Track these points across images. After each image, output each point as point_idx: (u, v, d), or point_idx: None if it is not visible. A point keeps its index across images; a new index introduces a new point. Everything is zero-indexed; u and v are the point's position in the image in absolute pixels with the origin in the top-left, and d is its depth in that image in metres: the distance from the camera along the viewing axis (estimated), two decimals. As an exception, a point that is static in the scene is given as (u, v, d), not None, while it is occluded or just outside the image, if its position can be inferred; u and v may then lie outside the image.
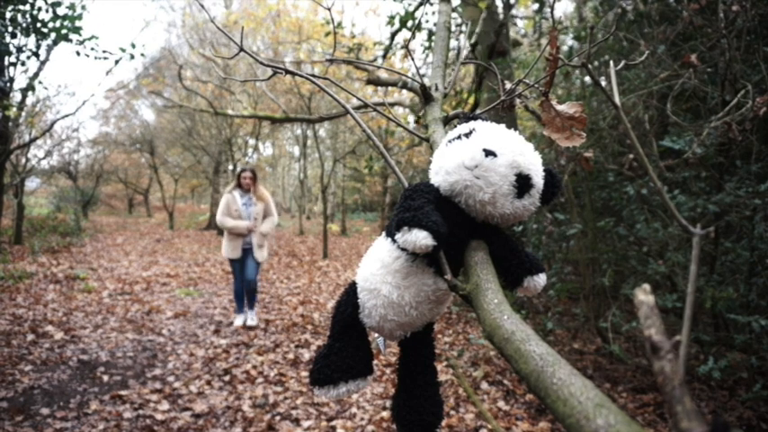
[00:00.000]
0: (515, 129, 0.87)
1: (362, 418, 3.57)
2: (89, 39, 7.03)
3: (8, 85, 8.29)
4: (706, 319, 4.42)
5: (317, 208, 28.42)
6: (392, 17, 6.64)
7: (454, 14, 6.42)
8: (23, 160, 12.09)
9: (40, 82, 8.54)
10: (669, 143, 3.58)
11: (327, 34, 9.60)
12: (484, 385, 4.23)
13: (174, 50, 16.57)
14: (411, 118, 9.84)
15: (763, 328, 3.17)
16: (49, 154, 14.54)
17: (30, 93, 9.07)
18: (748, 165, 3.55)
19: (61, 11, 6.58)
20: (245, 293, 5.74)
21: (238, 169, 5.77)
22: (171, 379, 4.15)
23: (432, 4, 6.04)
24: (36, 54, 7.51)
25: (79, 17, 6.75)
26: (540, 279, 0.84)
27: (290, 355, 4.81)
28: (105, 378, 4.09)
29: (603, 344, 4.66)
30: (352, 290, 0.94)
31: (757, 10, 3.32)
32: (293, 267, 10.41)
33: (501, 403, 3.90)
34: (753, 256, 3.52)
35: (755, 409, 3.55)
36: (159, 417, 3.45)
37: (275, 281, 8.75)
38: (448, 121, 1.15)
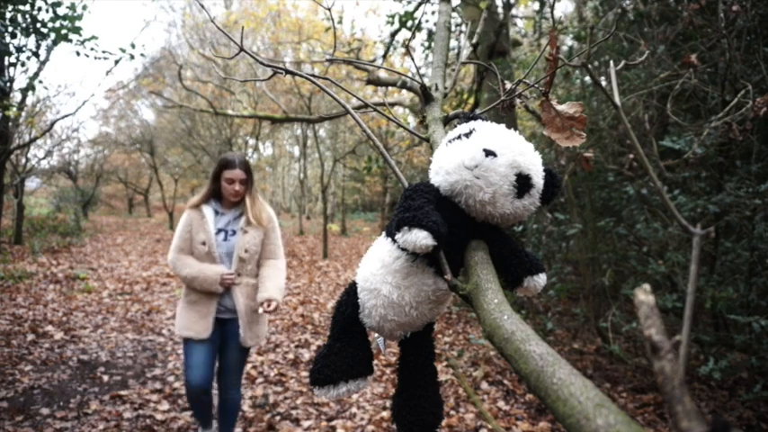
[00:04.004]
0: (515, 129, 0.87)
1: (362, 418, 3.57)
2: (89, 39, 7.03)
3: (8, 85, 8.28)
4: (706, 319, 4.42)
5: (317, 208, 28.42)
6: (392, 16, 6.65)
7: (454, 14, 6.42)
8: (23, 160, 12.09)
9: (40, 82, 8.53)
10: (669, 143, 3.58)
11: (327, 30, 9.62)
12: (484, 385, 4.23)
13: (174, 50, 16.57)
14: (411, 118, 9.84)
15: (763, 328, 3.17)
16: (49, 154, 14.52)
17: (30, 93, 9.07)
18: (748, 165, 3.55)
19: (61, 11, 6.58)
20: (219, 413, 2.91)
21: (218, 162, 2.80)
22: (171, 379, 4.15)
23: (432, 4, 6.03)
24: (36, 54, 7.51)
25: (79, 17, 6.74)
26: (541, 279, 0.84)
27: (290, 355, 4.81)
28: (105, 378, 4.09)
29: (603, 344, 4.66)
30: (352, 290, 0.94)
31: (757, 10, 3.32)
32: (293, 267, 10.40)
33: (501, 403, 3.90)
34: (753, 256, 3.52)
35: (755, 409, 3.55)
36: (159, 417, 3.45)
37: (275, 281, 8.74)
38: (448, 121, 1.15)
